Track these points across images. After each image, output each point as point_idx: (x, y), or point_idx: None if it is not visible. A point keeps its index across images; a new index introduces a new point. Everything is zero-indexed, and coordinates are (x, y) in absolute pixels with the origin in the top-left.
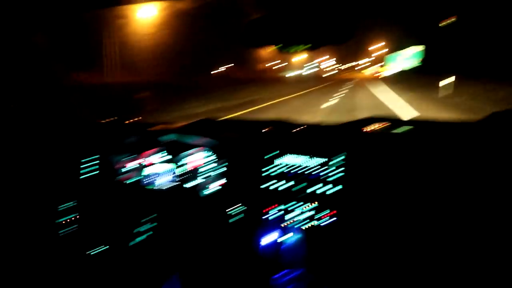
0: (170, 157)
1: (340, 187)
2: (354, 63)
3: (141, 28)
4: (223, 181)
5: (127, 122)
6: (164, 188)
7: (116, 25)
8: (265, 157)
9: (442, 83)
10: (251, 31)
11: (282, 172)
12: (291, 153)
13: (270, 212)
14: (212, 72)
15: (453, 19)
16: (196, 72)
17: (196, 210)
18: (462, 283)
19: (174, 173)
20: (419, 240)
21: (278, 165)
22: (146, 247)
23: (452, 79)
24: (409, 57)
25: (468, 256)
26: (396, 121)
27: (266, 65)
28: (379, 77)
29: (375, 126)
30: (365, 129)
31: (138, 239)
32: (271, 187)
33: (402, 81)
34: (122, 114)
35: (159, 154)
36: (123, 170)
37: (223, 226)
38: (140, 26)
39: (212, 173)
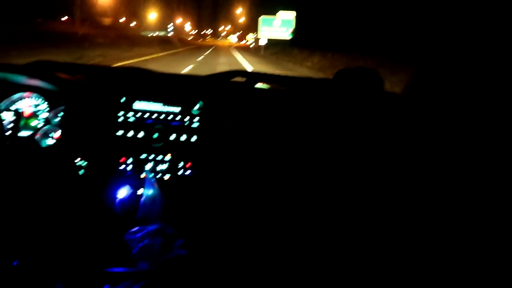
0: None
1: (195, 137)
2: (220, 29)
3: None
4: (65, 128)
5: None
6: None
7: None
8: (117, 102)
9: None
10: None
11: (137, 119)
12: (147, 99)
13: (124, 163)
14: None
15: None
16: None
17: (35, 164)
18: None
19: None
20: (271, 192)
21: (132, 111)
22: None
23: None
24: (280, 26)
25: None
26: (257, 75)
27: (120, 21)
28: (246, 46)
29: (236, 79)
30: (225, 81)
31: None
32: (124, 135)
33: (269, 51)
34: None
35: None
36: None
37: (70, 180)
38: None
39: (50, 120)
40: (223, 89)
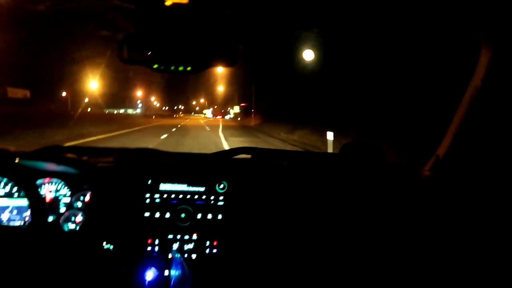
0: (15, 187)
1: (220, 216)
2: (193, 103)
3: None
4: (89, 212)
5: None
6: (15, 225)
7: None
8: (144, 184)
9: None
10: (130, 45)
11: (163, 200)
12: (172, 181)
13: (151, 244)
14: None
15: None
16: None
17: (62, 248)
18: None
19: (22, 207)
20: (300, 269)
21: (158, 193)
22: None
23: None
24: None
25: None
26: (262, 151)
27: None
28: (220, 121)
29: (249, 156)
30: (240, 158)
31: None
32: (152, 216)
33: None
34: None
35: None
36: None
37: (97, 263)
38: None
39: (72, 204)
40: (242, 167)
